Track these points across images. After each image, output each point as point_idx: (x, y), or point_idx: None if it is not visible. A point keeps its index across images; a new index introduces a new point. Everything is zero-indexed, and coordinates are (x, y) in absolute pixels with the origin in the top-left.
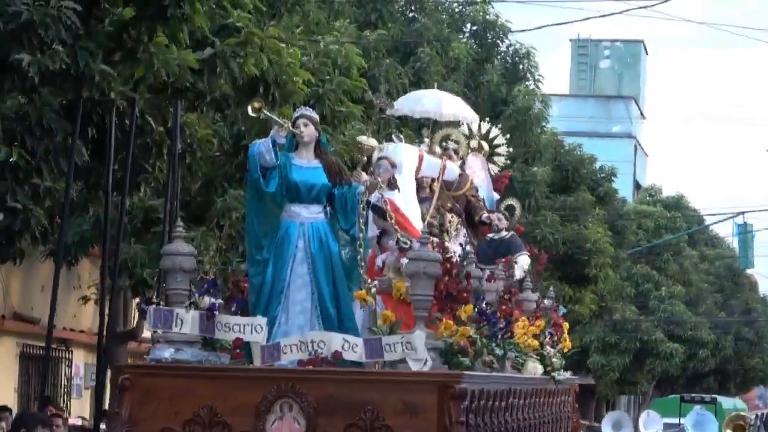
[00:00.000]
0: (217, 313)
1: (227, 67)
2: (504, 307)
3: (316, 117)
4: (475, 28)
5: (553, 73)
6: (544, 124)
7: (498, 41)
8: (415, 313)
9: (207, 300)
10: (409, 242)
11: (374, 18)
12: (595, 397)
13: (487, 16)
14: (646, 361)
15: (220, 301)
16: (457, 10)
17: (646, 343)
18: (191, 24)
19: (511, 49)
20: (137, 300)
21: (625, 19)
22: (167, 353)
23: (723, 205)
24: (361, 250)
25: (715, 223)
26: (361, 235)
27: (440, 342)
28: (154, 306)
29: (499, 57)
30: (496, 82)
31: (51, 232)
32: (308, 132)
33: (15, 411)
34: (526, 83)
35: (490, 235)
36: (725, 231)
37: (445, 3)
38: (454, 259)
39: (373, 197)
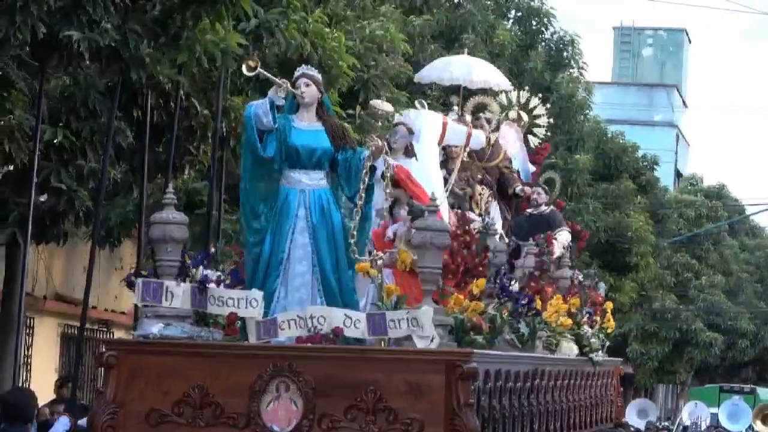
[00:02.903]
0: (210, 286)
1: (272, 36)
2: (533, 283)
3: (319, 76)
4: (519, 14)
5: (596, 61)
6: (587, 111)
7: (542, 28)
8: (422, 287)
9: (200, 272)
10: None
11: (420, 3)
12: (633, 385)
13: (532, 3)
14: (685, 351)
15: (217, 273)
16: None
17: (686, 332)
18: (237, 8)
19: (555, 36)
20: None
21: (668, 6)
22: (155, 329)
23: (764, 195)
24: (357, 218)
25: (756, 213)
26: (360, 202)
27: (449, 318)
28: (142, 278)
29: (543, 44)
30: (540, 69)
31: (95, 213)
32: (309, 92)
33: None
34: (570, 70)
35: (529, 210)
36: (766, 221)
37: None
38: (475, 231)
39: (380, 162)
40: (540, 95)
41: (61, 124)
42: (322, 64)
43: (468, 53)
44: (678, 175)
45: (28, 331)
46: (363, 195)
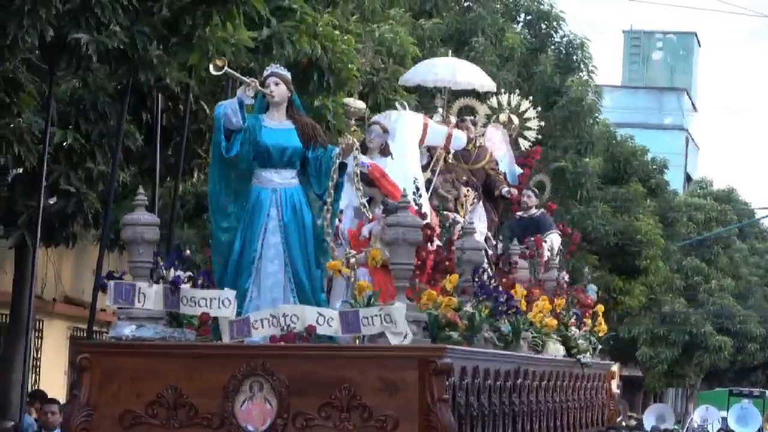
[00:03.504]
0: (182, 286)
1: (282, 47)
2: (504, 280)
3: (288, 75)
4: (529, 17)
5: (606, 64)
6: (596, 115)
7: (552, 31)
8: (395, 284)
9: (172, 273)
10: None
11: (429, 7)
12: (642, 389)
13: (542, 6)
14: (694, 354)
15: (188, 274)
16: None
17: (695, 336)
18: (248, 7)
19: (564, 39)
20: None
21: (679, 9)
22: (128, 330)
23: None
24: (328, 215)
25: (766, 216)
26: (329, 200)
27: (423, 314)
28: (114, 280)
29: (552, 47)
30: (550, 73)
31: (104, 216)
32: (279, 91)
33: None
34: (580, 74)
35: (519, 213)
36: None
37: None
38: (447, 228)
39: (350, 160)
40: (548, 101)
41: (70, 127)
42: (332, 67)
43: (476, 56)
44: (688, 178)
45: (37, 333)
46: (332, 192)
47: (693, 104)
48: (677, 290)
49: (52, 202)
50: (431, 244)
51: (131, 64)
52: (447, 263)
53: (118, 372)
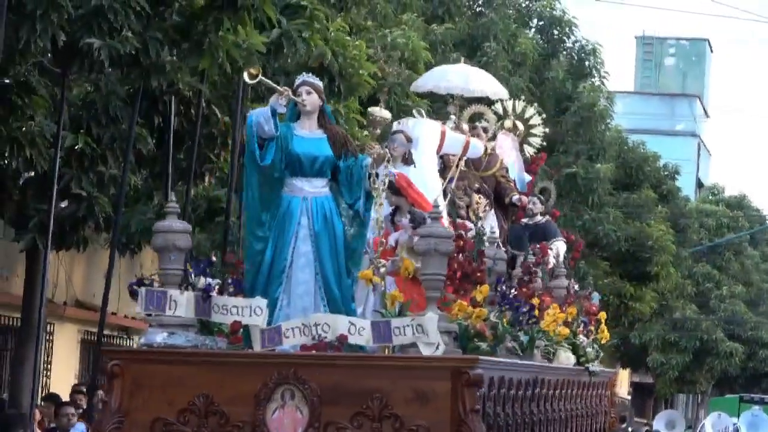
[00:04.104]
0: (213, 294)
1: (294, 46)
2: (524, 289)
3: (320, 84)
4: (541, 23)
5: (618, 70)
6: (608, 121)
7: (564, 37)
8: (426, 294)
9: (203, 280)
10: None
11: (441, 12)
12: (653, 395)
13: (554, 12)
14: (705, 360)
15: (217, 281)
16: (523, 5)
17: (706, 342)
18: (259, 13)
19: (577, 45)
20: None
21: (691, 15)
22: (159, 338)
23: None
24: (369, 229)
25: None
26: (360, 209)
27: (454, 325)
28: (146, 287)
29: (564, 53)
30: (562, 78)
31: (115, 220)
32: (311, 100)
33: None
34: (592, 80)
35: (525, 219)
36: None
37: None
38: (469, 238)
39: (381, 170)
40: (560, 106)
41: (82, 131)
42: (343, 72)
43: (488, 62)
44: (699, 184)
45: (48, 337)
46: (363, 202)
47: (705, 110)
48: (688, 296)
49: (63, 206)
50: (463, 255)
51: (143, 70)
52: (478, 274)
53: (150, 379)
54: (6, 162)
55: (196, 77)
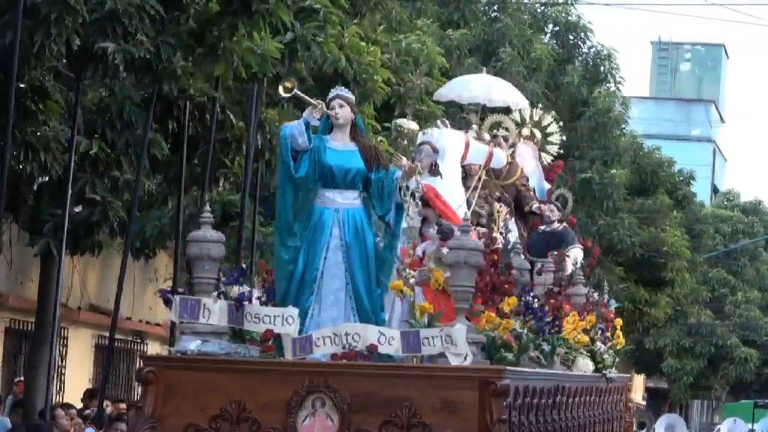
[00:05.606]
0: (246, 303)
1: (308, 50)
2: (553, 300)
3: (352, 98)
4: (556, 28)
5: (634, 76)
6: (623, 126)
7: (579, 42)
8: (455, 305)
9: (236, 289)
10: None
11: (456, 17)
12: (668, 401)
13: (569, 17)
14: (720, 366)
15: (249, 290)
16: (539, 10)
17: (721, 348)
18: (274, 18)
19: (592, 50)
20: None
21: (707, 21)
22: (193, 345)
23: None
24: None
25: None
26: (392, 221)
27: (482, 336)
28: (180, 295)
29: (580, 58)
30: (577, 84)
31: (129, 224)
32: (343, 113)
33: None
34: (607, 85)
35: (542, 227)
36: None
37: (528, 3)
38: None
39: (412, 183)
40: (575, 112)
41: (96, 136)
42: (357, 78)
43: (504, 67)
44: (714, 190)
45: (62, 341)
46: (394, 214)
47: (720, 116)
48: (703, 302)
49: (77, 211)
50: (495, 269)
51: (155, 75)
52: (507, 286)
53: (183, 385)
54: (21, 167)
55: (209, 83)
